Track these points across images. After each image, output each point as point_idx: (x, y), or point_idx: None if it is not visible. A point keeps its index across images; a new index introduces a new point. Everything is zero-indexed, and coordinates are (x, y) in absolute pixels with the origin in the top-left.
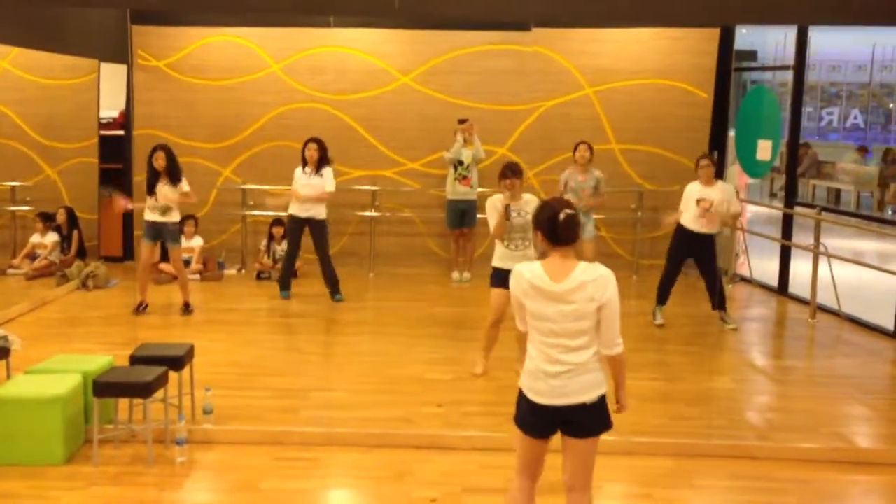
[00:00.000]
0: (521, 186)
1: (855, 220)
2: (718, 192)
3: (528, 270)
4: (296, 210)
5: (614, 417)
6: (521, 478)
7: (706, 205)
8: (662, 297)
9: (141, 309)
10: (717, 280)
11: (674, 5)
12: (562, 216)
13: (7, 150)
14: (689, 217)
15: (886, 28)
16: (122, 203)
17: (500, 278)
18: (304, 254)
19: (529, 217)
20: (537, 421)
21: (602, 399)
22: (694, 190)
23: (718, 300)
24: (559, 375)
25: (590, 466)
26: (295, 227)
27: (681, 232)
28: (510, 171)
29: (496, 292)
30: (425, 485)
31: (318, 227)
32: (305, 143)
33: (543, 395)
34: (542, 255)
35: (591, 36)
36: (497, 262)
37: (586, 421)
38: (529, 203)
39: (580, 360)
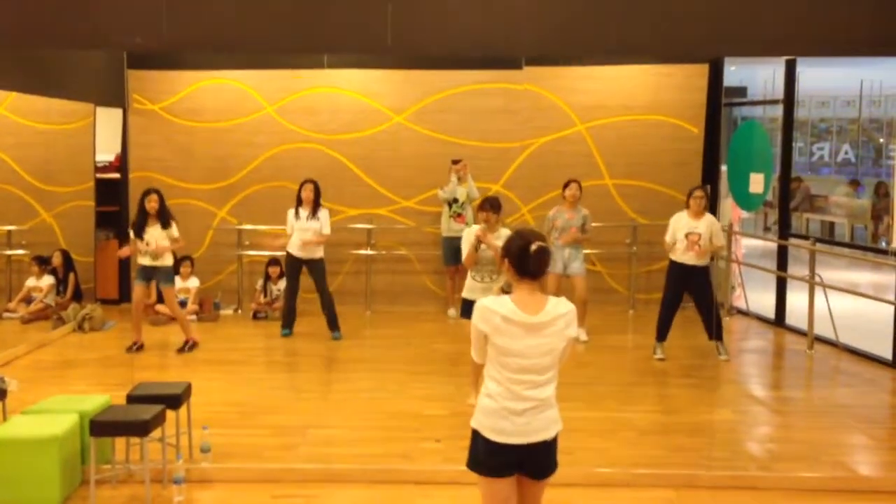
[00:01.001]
0: (498, 221)
1: (849, 251)
2: (705, 226)
3: (498, 304)
4: (294, 251)
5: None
6: None
7: (695, 238)
8: (662, 334)
9: (135, 348)
10: (713, 310)
11: (665, 38)
12: (533, 247)
13: (3, 195)
14: (679, 251)
15: (873, 61)
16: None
17: (468, 310)
18: (301, 293)
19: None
20: (498, 462)
21: (557, 437)
22: (682, 222)
23: (716, 331)
24: (525, 413)
25: None
26: (294, 266)
27: (673, 267)
28: (488, 205)
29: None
30: None
31: (316, 267)
32: (302, 184)
33: (507, 434)
34: (506, 290)
35: (581, 73)
36: (465, 293)
37: (546, 459)
38: (501, 238)
39: (545, 396)
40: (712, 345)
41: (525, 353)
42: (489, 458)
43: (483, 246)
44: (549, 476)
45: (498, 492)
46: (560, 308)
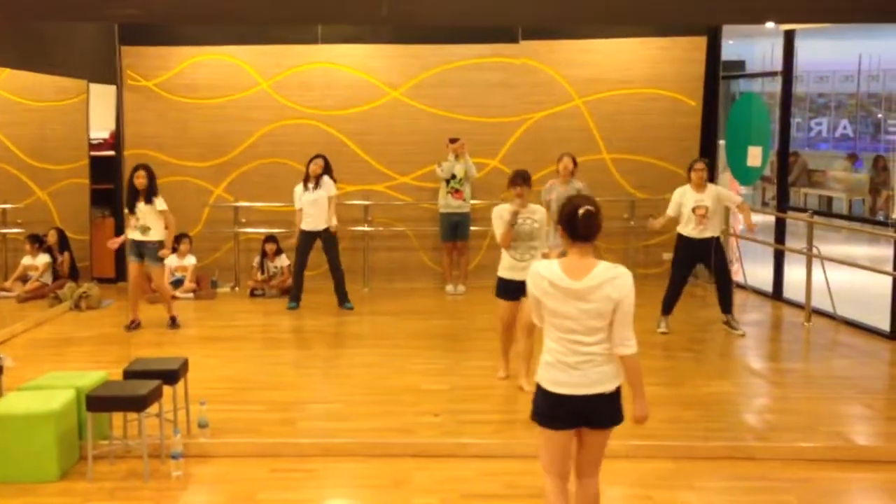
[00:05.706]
0: (529, 195)
1: (847, 223)
2: (711, 197)
3: (546, 269)
4: (306, 226)
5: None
6: (551, 477)
7: (702, 212)
8: (668, 308)
9: (133, 326)
10: (728, 283)
11: (661, 4)
12: (581, 211)
13: None
14: (689, 226)
15: (871, 35)
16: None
17: (505, 290)
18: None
19: (536, 225)
20: (560, 413)
21: (618, 391)
22: (687, 197)
23: (726, 303)
24: (580, 366)
25: (601, 456)
26: (306, 242)
27: (683, 241)
28: (521, 179)
29: (503, 305)
30: (423, 492)
31: (330, 238)
32: (311, 159)
33: (565, 385)
34: (562, 255)
35: (578, 47)
36: (502, 272)
37: (606, 411)
38: (536, 212)
39: (597, 352)
40: (715, 318)
41: (572, 316)
42: (550, 408)
43: (519, 221)
44: (608, 428)
45: (554, 442)
46: (609, 273)
